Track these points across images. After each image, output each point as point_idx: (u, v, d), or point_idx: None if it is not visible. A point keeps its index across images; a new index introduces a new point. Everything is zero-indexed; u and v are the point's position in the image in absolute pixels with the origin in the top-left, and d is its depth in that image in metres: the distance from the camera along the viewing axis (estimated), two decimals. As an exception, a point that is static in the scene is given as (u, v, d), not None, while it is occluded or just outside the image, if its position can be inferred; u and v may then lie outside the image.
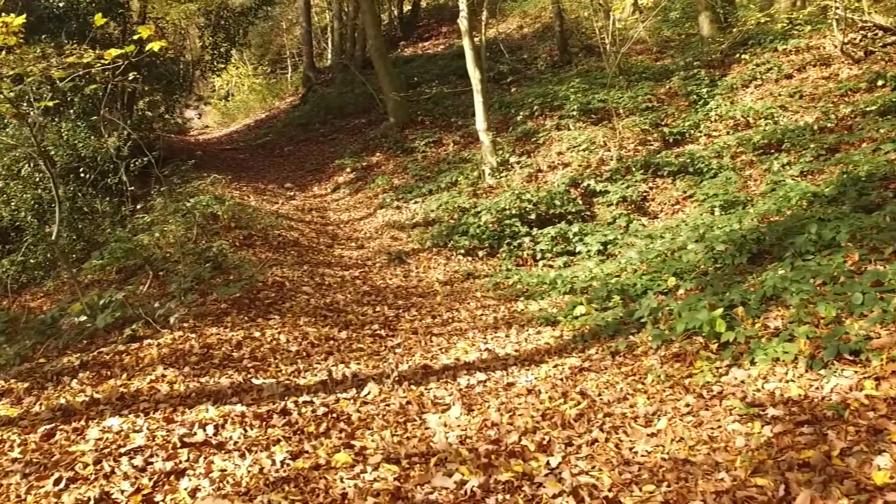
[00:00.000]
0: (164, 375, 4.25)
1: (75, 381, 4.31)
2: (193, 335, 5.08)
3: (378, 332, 5.76)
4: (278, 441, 3.44)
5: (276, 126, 20.99)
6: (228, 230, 9.10)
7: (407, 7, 27.00)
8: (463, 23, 11.27)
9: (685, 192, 9.82)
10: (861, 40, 11.38)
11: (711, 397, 3.63)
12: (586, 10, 18.46)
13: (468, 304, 6.87)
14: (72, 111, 11.39)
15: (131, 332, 5.13)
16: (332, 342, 5.29)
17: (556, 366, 4.65)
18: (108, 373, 4.38)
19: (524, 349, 5.15)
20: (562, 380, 4.34)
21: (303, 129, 19.26)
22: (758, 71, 11.90)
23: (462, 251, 9.04)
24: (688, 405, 3.60)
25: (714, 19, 14.05)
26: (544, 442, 3.45)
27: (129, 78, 9.55)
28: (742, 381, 3.69)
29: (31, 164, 9.90)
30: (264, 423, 3.66)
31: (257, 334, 5.21)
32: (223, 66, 16.84)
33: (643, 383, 4.08)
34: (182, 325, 5.31)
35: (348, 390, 4.25)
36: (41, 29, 10.99)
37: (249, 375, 4.36)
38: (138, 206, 10.50)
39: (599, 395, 4.04)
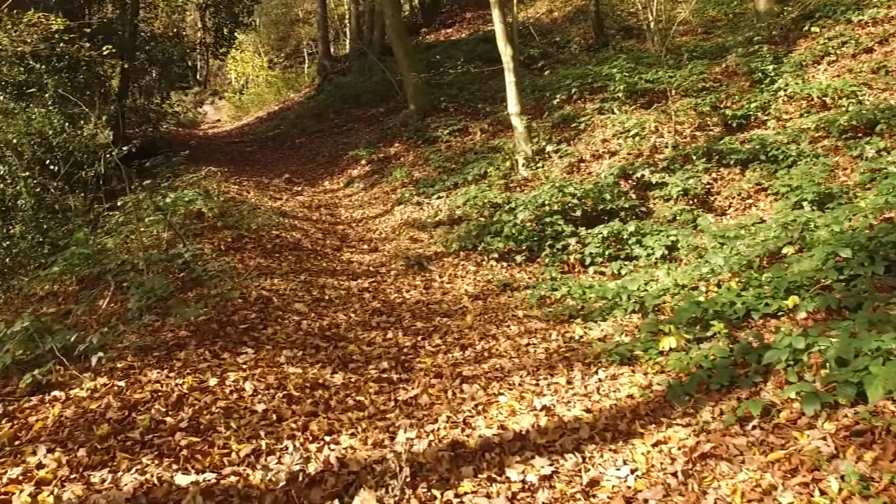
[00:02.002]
0: (39, 465, 2.67)
1: None
2: (122, 383, 3.52)
3: (387, 373, 4.11)
4: None
5: (289, 117, 19.81)
6: (214, 231, 7.59)
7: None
8: (492, -10, 9.80)
9: (758, 184, 8.17)
10: (954, 8, 9.71)
11: None
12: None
13: (508, 327, 5.24)
14: (47, 95, 10.08)
15: (35, 379, 3.59)
16: (319, 393, 3.66)
17: (657, 444, 2.98)
18: (-40, 459, 2.84)
19: (599, 407, 3.46)
20: (675, 476, 2.65)
21: (316, 119, 18.19)
22: (830, 45, 10.34)
23: (495, 255, 7.44)
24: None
25: (771, -8, 12.38)
26: None
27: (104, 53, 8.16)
28: None
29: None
30: None
31: (213, 382, 3.61)
32: (227, 49, 15.41)
33: (827, 496, 2.41)
34: (113, 367, 3.77)
35: (326, 502, 2.63)
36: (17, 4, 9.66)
37: (175, 467, 2.72)
38: (118, 203, 9.07)
39: (756, 519, 2.37)
